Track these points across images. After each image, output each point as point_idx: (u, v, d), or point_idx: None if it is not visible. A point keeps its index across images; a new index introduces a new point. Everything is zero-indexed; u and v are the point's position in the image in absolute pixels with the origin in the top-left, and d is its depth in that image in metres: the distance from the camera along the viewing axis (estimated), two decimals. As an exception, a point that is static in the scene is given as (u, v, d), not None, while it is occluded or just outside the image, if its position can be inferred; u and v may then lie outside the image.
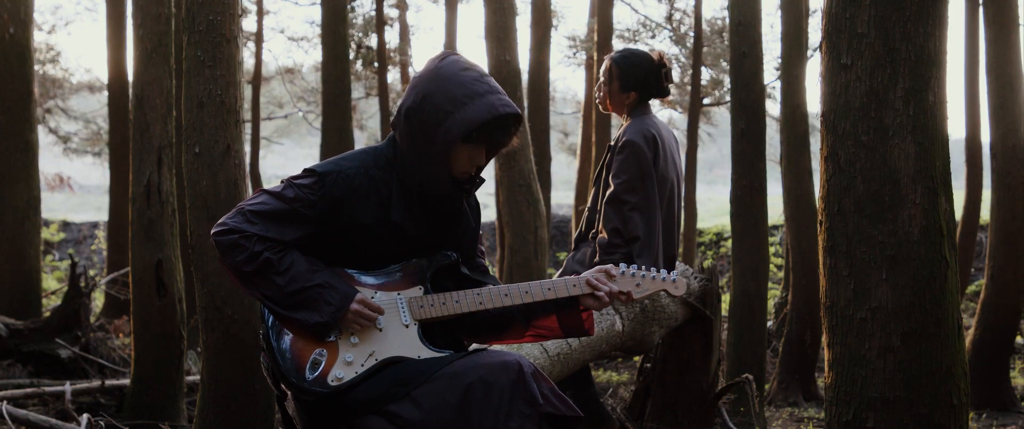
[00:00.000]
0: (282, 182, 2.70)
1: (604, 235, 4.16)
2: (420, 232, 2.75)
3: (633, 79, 4.31)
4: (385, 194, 2.70)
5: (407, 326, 2.70)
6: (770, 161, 8.86)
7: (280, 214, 2.65)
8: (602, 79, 4.41)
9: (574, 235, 4.52)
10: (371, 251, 2.72)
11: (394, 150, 2.74)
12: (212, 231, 2.64)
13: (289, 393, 2.68)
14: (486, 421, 2.52)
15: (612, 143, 4.31)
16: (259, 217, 2.63)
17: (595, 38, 11.68)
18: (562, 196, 20.00)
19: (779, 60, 9.01)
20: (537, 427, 2.55)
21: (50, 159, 15.55)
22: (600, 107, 4.47)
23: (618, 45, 12.62)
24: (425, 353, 2.68)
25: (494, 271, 16.69)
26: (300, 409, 2.68)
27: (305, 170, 2.71)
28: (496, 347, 3.06)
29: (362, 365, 2.64)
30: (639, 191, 4.14)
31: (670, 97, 14.44)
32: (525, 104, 8.66)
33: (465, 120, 2.59)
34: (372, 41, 13.38)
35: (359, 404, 2.59)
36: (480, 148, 2.69)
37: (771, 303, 10.59)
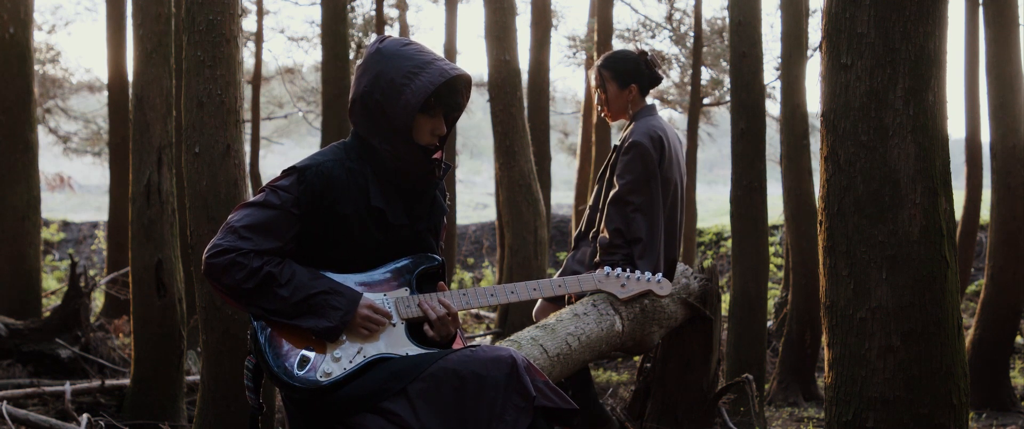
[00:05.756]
0: (263, 190, 2.71)
1: (606, 235, 4.16)
2: (400, 220, 2.78)
3: (626, 72, 4.36)
4: (362, 184, 2.74)
5: (394, 325, 2.73)
6: (770, 161, 8.86)
7: (269, 223, 2.66)
8: (596, 88, 4.44)
9: (574, 234, 4.53)
10: (357, 247, 2.74)
11: (360, 141, 2.77)
12: (205, 255, 2.63)
13: (264, 405, 2.71)
14: (481, 415, 2.54)
15: (618, 143, 4.31)
16: (250, 231, 2.64)
17: (595, 38, 11.67)
18: (562, 196, 19.99)
19: (779, 60, 9.01)
20: (532, 420, 2.56)
21: (50, 159, 15.56)
22: (607, 119, 4.49)
23: (618, 45, 12.61)
24: (413, 351, 2.71)
25: (494, 271, 16.68)
26: (291, 409, 2.69)
27: (284, 171, 2.74)
28: (487, 344, 3.08)
29: (350, 362, 2.66)
30: (643, 193, 4.14)
31: (671, 97, 14.51)
32: (525, 104, 8.65)
33: (420, 88, 2.66)
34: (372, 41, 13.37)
35: (352, 401, 2.59)
36: (438, 116, 2.75)
37: (771, 303, 10.58)
